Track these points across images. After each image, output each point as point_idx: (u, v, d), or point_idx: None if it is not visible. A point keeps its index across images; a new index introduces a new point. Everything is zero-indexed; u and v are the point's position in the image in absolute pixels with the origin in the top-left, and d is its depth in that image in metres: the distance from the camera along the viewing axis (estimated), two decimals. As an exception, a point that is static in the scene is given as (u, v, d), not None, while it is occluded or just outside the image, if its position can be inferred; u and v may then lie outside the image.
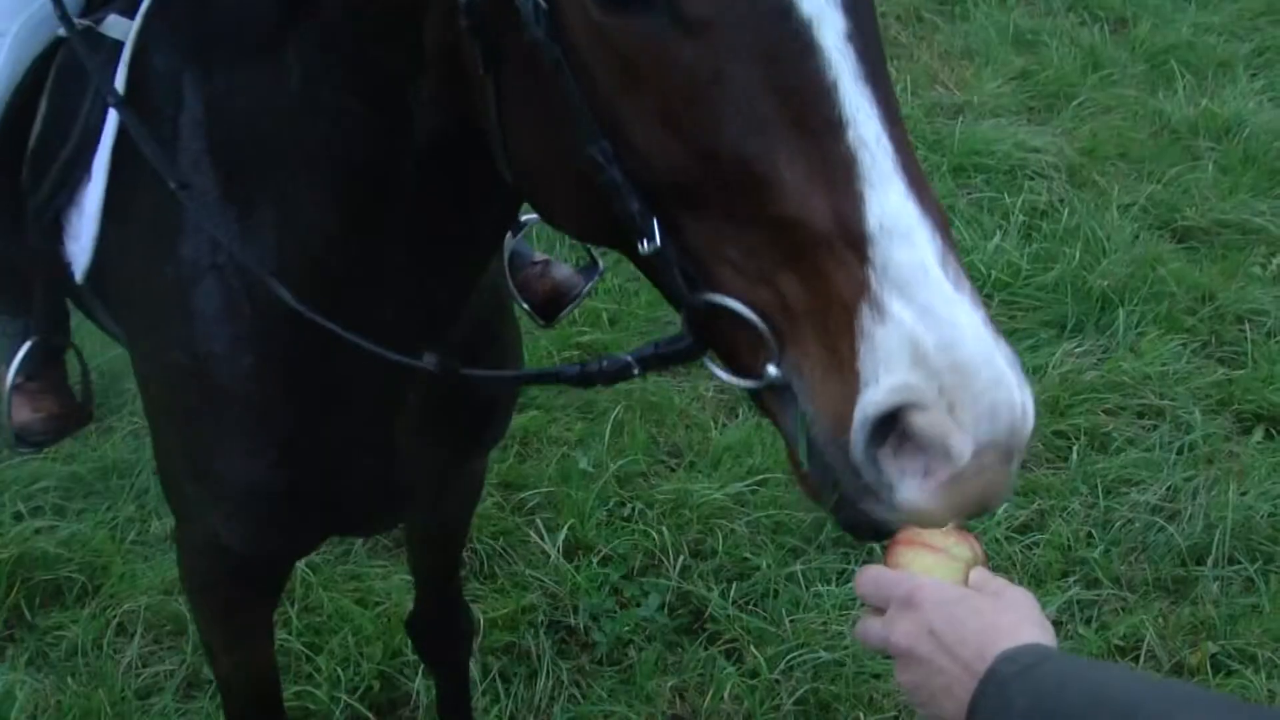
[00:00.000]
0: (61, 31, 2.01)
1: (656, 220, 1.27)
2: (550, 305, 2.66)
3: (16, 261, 2.23)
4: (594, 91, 1.27)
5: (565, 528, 3.59)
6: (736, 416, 4.14)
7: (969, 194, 5.35)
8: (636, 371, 1.43)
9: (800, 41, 1.20)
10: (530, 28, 1.27)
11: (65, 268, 2.11)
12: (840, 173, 1.19)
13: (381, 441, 1.91)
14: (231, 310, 1.82)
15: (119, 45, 1.94)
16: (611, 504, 3.73)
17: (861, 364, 1.16)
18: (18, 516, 3.66)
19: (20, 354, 2.45)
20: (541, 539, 3.58)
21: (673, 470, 3.93)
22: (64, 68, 2.04)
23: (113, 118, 1.92)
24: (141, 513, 3.72)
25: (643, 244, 1.28)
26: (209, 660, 2.49)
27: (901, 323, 1.14)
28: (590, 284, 2.72)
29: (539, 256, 2.80)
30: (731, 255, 1.25)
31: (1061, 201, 5.31)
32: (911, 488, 1.18)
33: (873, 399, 1.15)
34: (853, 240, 1.17)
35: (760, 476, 3.83)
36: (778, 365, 1.24)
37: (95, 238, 1.98)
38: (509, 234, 2.18)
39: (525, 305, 2.50)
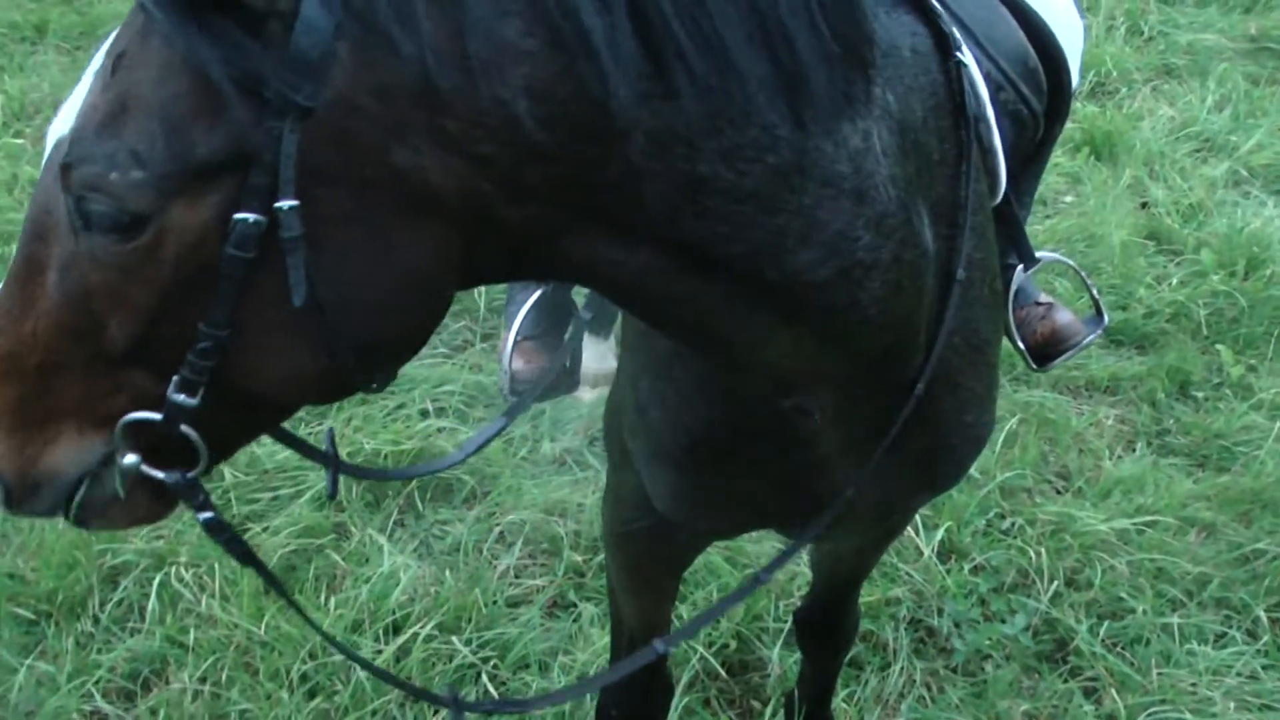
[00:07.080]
0: None
1: None
2: (1046, 348, 2.57)
3: None
4: None
5: (942, 529, 3.52)
6: (1134, 451, 3.96)
7: None
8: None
9: None
10: None
11: None
12: None
13: (794, 454, 1.81)
14: None
15: None
16: (991, 514, 3.63)
17: None
18: (424, 414, 3.89)
19: (523, 310, 2.83)
20: (917, 534, 3.53)
21: (1059, 492, 3.80)
22: None
23: None
24: (535, 432, 3.88)
25: None
26: (611, 600, 2.58)
27: None
28: (1093, 336, 2.60)
29: (1044, 298, 2.70)
30: None
31: None
32: None
33: None
34: None
35: (1150, 517, 3.65)
36: None
37: None
38: (1019, 268, 2.09)
39: (1020, 345, 2.38)
